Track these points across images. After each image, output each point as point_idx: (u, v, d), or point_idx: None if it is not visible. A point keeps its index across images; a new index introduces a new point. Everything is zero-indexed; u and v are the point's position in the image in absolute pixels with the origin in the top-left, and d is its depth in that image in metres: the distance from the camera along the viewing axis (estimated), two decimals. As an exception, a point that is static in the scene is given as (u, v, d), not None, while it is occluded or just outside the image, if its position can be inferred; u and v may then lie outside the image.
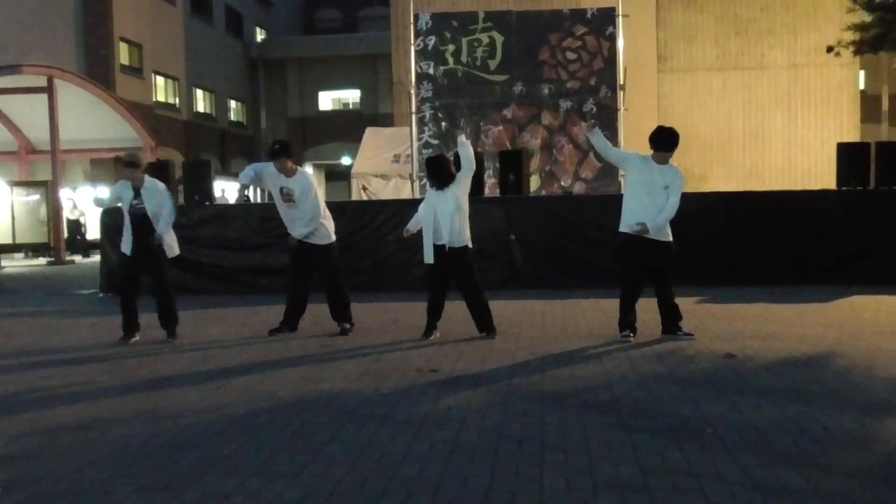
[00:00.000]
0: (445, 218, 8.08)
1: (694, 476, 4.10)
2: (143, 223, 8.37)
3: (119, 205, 8.72)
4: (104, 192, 9.91)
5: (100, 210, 13.47)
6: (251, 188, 11.50)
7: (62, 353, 8.12)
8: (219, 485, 4.12)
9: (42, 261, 22.07)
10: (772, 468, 4.19)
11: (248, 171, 8.73)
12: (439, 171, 8.26)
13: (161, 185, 8.64)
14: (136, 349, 8.18)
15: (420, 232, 8.42)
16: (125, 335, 8.55)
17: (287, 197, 8.57)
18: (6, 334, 9.43)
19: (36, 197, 23.56)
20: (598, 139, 7.97)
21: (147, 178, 8.56)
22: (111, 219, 13.00)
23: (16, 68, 21.90)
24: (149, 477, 4.26)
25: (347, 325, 8.77)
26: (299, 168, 8.81)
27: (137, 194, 8.40)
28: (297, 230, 8.65)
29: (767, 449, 4.50)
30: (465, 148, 8.20)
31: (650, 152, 7.86)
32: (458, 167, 8.25)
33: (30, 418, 5.55)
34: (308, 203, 8.54)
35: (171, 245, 8.61)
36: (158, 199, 8.44)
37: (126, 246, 8.46)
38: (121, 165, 8.46)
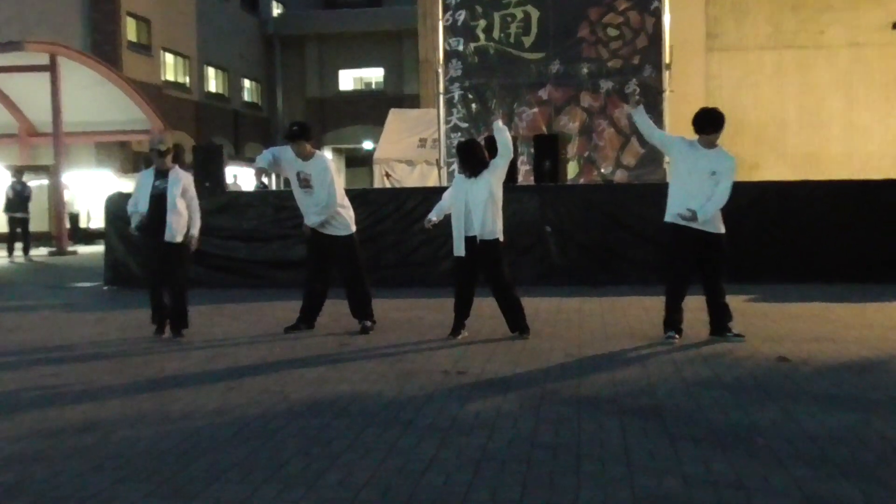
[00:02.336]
0: (477, 207, 8.06)
1: (742, 489, 4.08)
2: (158, 205, 8.44)
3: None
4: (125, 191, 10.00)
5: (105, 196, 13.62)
6: (268, 174, 11.58)
7: (66, 349, 8.22)
8: (230, 492, 4.15)
9: (43, 251, 22.30)
10: (827, 481, 4.16)
11: (265, 155, 8.80)
12: (472, 158, 8.26)
13: (190, 179, 8.76)
14: (144, 347, 8.26)
15: (446, 222, 8.43)
16: (160, 328, 8.75)
17: (305, 183, 8.61)
18: (7, 329, 9.56)
19: (37, 183, 23.78)
20: (642, 118, 7.96)
21: (176, 166, 8.69)
22: (115, 206, 13.13)
23: (17, 45, 22.10)
24: (156, 483, 4.30)
25: (369, 323, 8.79)
26: (318, 152, 8.84)
27: (160, 177, 8.54)
28: (311, 218, 8.67)
29: (823, 460, 4.47)
30: (503, 134, 8.21)
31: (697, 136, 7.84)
32: (492, 152, 8.25)
33: (31, 418, 5.62)
34: (323, 188, 8.54)
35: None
36: (180, 189, 8.51)
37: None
38: (153, 155, 8.62)
